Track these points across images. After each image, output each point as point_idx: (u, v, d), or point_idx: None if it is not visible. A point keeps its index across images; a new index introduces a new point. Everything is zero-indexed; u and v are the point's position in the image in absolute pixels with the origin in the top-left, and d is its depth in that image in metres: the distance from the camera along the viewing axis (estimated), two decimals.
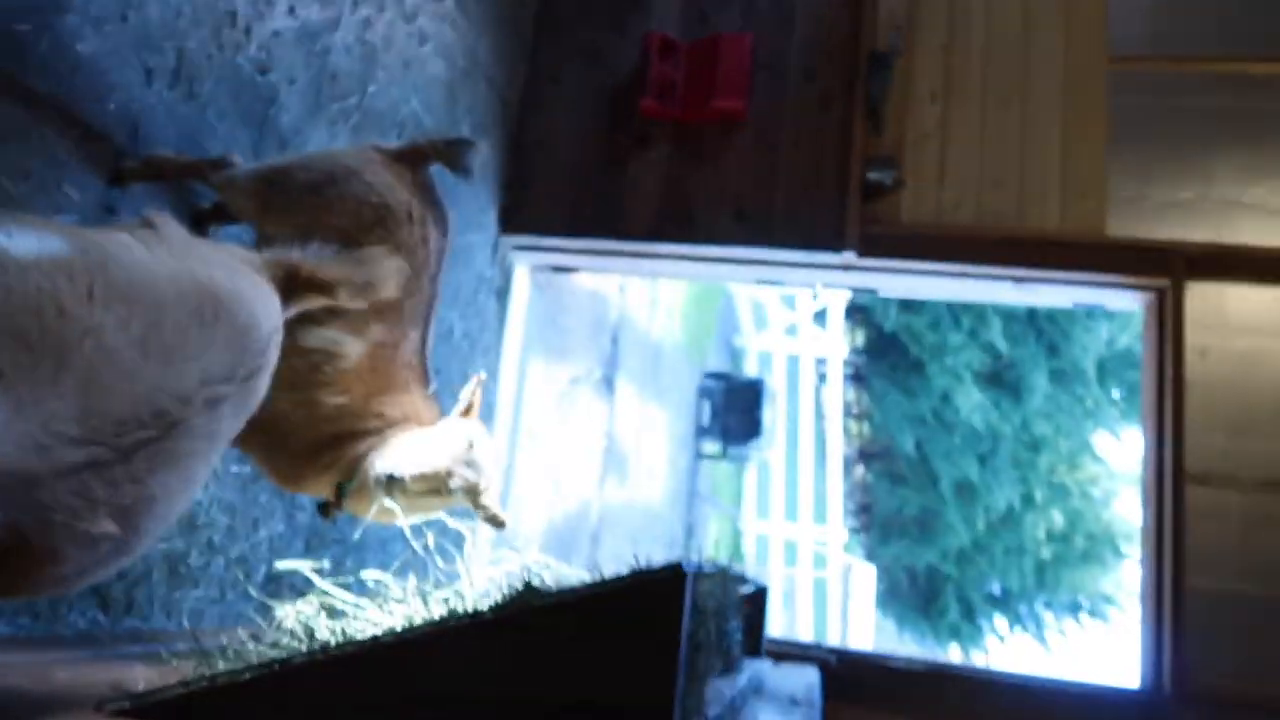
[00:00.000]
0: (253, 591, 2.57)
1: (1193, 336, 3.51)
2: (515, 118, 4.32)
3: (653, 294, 7.19)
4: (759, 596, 2.83)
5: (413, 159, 2.30)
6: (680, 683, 1.17)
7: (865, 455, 18.51)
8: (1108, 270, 3.70)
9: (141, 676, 1.48)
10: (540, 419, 5.01)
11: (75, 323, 1.13)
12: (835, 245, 3.87)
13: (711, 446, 9.26)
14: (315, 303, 1.81)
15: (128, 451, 1.16)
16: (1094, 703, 3.36)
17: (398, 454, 2.02)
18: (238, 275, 1.49)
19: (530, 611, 1.24)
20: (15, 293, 1.09)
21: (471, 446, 2.05)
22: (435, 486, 2.00)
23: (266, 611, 1.65)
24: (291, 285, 1.71)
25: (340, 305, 1.91)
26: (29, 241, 1.14)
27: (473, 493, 2.03)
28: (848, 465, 16.11)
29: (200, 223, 2.50)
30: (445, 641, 1.29)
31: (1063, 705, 3.35)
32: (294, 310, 1.75)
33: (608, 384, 6.17)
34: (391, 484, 1.98)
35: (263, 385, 1.47)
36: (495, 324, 4.27)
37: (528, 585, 1.41)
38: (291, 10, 2.84)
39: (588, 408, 5.83)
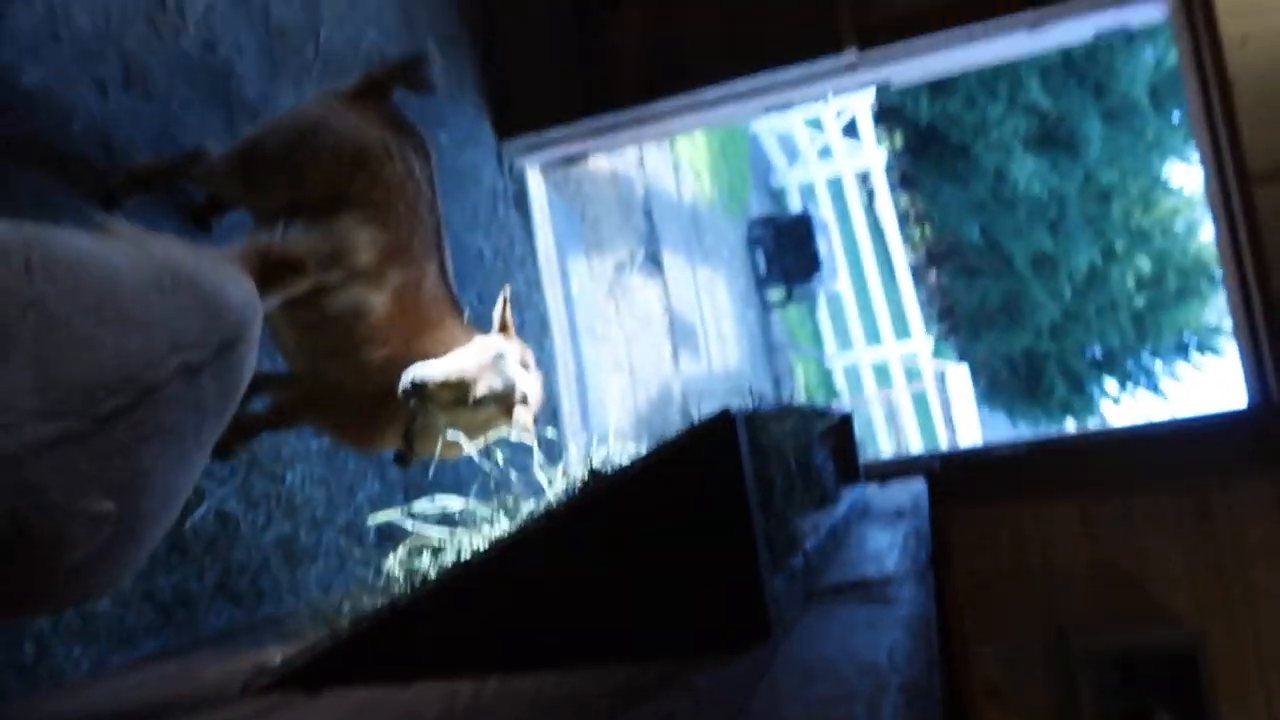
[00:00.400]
0: (360, 552, 2.67)
1: (1228, 27, 3.25)
2: (479, 21, 4.17)
3: (674, 158, 7.01)
4: (843, 425, 2.82)
5: (372, 92, 2.24)
6: (758, 522, 1.17)
7: (933, 257, 18.12)
8: None
9: (278, 654, 1.54)
10: (596, 314, 5.00)
11: (14, 297, 1.13)
12: (833, 47, 3.68)
13: (775, 293, 9.16)
14: (297, 283, 1.79)
15: (104, 421, 1.15)
16: (1204, 433, 3.29)
17: (426, 366, 2.04)
18: (200, 256, 1.47)
19: (597, 494, 1.25)
20: None
21: (500, 357, 2.05)
22: (460, 395, 2.00)
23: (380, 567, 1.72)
24: (268, 269, 1.69)
25: (318, 280, 1.89)
26: None
27: (502, 401, 2.03)
28: (918, 273, 15.82)
29: (201, 218, 2.50)
30: (528, 547, 1.31)
31: (1174, 444, 3.29)
32: (280, 293, 1.73)
33: (654, 261, 6.10)
34: (417, 391, 1.99)
35: (247, 359, 1.44)
36: (522, 234, 4.23)
37: (592, 471, 1.42)
38: None
39: (641, 290, 5.79)
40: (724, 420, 1.23)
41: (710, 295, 7.19)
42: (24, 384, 1.10)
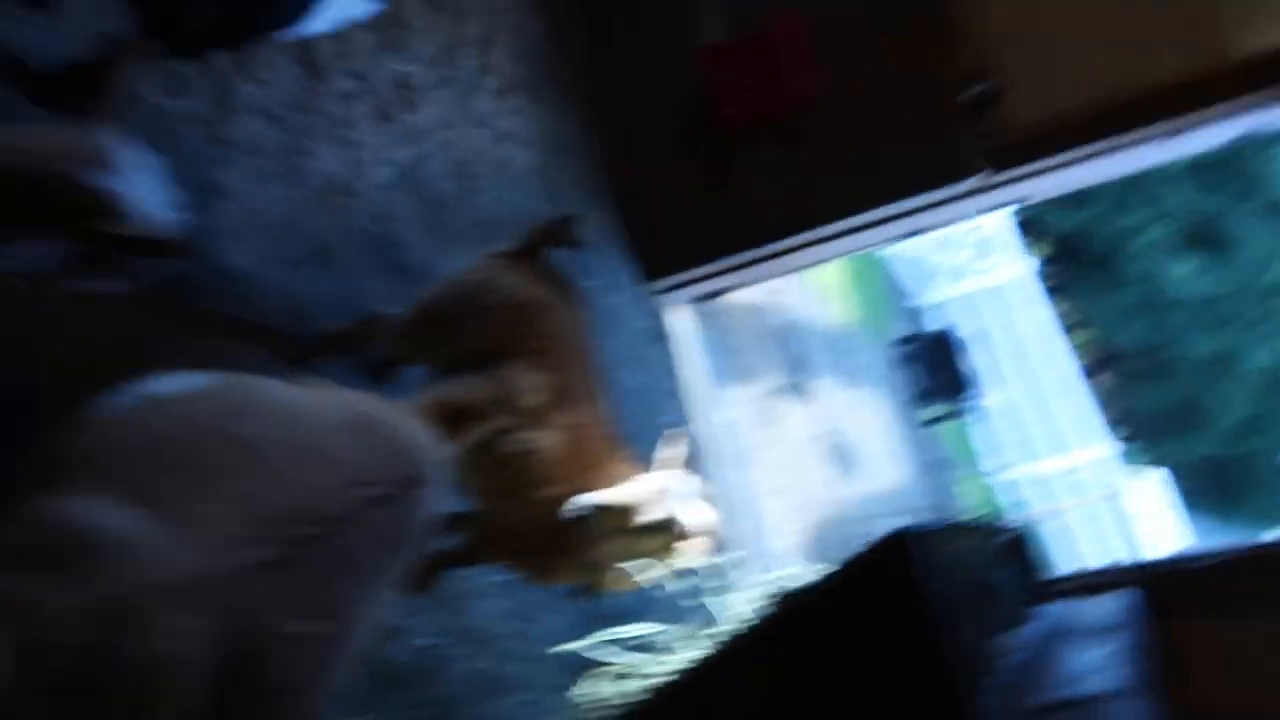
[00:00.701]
0: (552, 682, 2.68)
1: None
2: (617, 175, 4.39)
3: (812, 285, 7.07)
4: (1021, 541, 2.67)
5: (528, 252, 2.43)
6: (949, 641, 1.12)
7: (1100, 364, 17.29)
8: (1256, 89, 3.30)
9: None
10: (749, 442, 4.99)
11: (221, 435, 1.26)
12: (963, 173, 3.69)
13: (929, 411, 8.92)
14: (473, 428, 1.89)
15: (301, 547, 1.23)
16: None
17: (593, 494, 2.09)
18: (386, 408, 1.60)
19: (782, 618, 1.23)
20: (153, 426, 1.25)
21: (665, 490, 2.09)
22: (626, 523, 2.04)
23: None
24: (445, 418, 1.79)
25: (492, 424, 1.99)
26: (172, 382, 1.34)
27: (667, 530, 2.05)
28: (1087, 379, 15.08)
29: (381, 374, 2.68)
30: (721, 670, 1.29)
31: None
32: (459, 439, 1.83)
33: (802, 387, 6.08)
34: (584, 518, 2.03)
35: (429, 498, 1.52)
36: (670, 369, 4.32)
37: (775, 596, 1.39)
38: (383, 159, 3.04)
39: (792, 415, 5.76)
40: (900, 539, 1.21)
41: (863, 417, 7.07)
42: (231, 513, 1.20)
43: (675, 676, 1.33)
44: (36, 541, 1.08)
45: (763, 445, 5.20)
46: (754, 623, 1.27)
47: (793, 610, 1.23)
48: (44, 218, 1.39)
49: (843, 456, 6.21)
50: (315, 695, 1.33)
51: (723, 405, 4.79)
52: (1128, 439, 15.33)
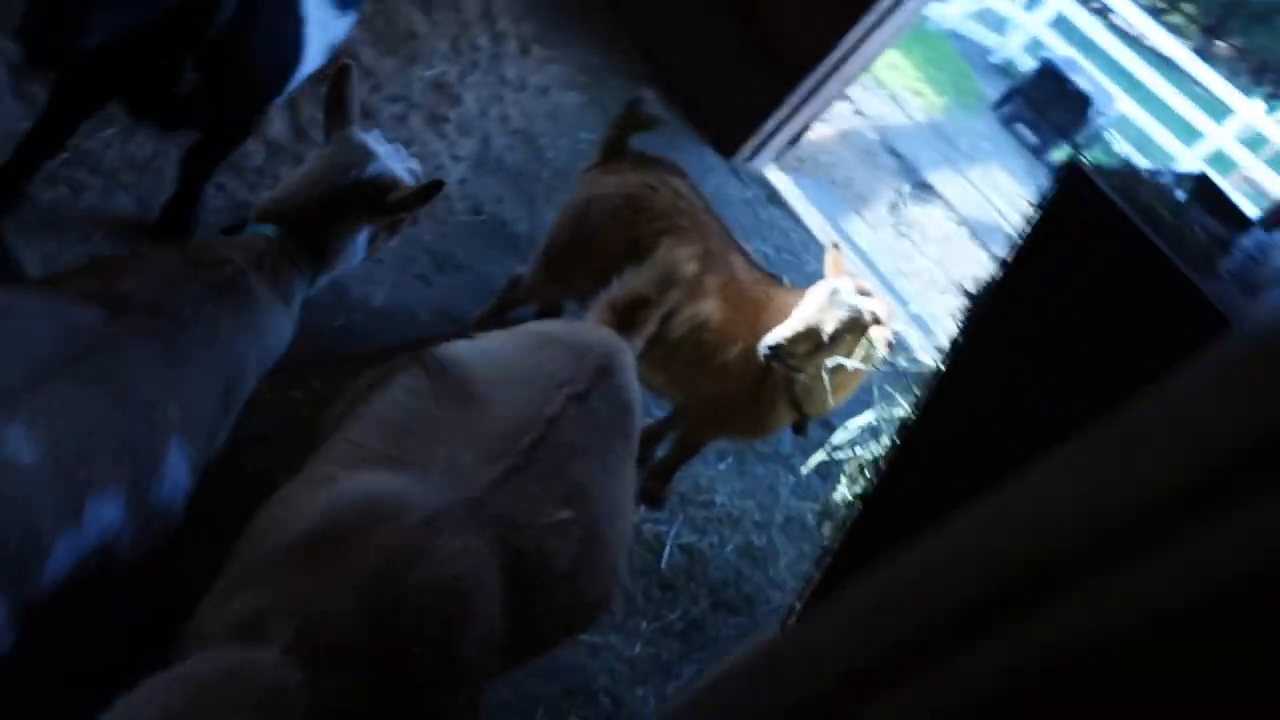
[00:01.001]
0: (810, 522, 2.80)
1: None
2: (658, 73, 4.40)
3: (887, 92, 6.84)
4: (1203, 183, 2.58)
5: (612, 152, 2.49)
6: (1168, 245, 1.13)
7: (1209, 29, 15.90)
8: None
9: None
10: (894, 257, 4.94)
11: (428, 395, 1.48)
12: None
13: (1058, 152, 8.47)
14: (651, 315, 2.00)
15: (530, 452, 1.41)
16: None
17: (773, 332, 2.16)
18: (558, 324, 1.81)
19: (987, 297, 1.28)
20: (376, 410, 1.47)
21: (835, 292, 2.12)
22: (816, 340, 2.10)
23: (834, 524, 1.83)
24: (620, 315, 1.91)
25: (665, 304, 2.08)
26: (375, 376, 1.56)
27: (855, 327, 2.09)
28: (1205, 52, 13.92)
29: None
30: (948, 385, 1.36)
31: None
32: (646, 329, 1.95)
33: (923, 187, 5.93)
34: (776, 354, 2.11)
35: (626, 383, 1.68)
36: (790, 224, 4.33)
37: (967, 293, 1.43)
38: (454, 157, 3.20)
39: (925, 217, 5.64)
40: (1076, 169, 1.22)
41: (995, 189, 6.81)
42: (463, 446, 1.40)
43: (909, 422, 1.40)
44: (317, 527, 1.26)
45: (909, 255, 5.13)
46: (964, 319, 1.32)
47: (997, 281, 1.27)
48: (359, 210, 1.72)
49: (991, 232, 6.04)
50: (600, 577, 1.50)
51: (855, 236, 4.76)
52: (1272, 95, 14.04)
